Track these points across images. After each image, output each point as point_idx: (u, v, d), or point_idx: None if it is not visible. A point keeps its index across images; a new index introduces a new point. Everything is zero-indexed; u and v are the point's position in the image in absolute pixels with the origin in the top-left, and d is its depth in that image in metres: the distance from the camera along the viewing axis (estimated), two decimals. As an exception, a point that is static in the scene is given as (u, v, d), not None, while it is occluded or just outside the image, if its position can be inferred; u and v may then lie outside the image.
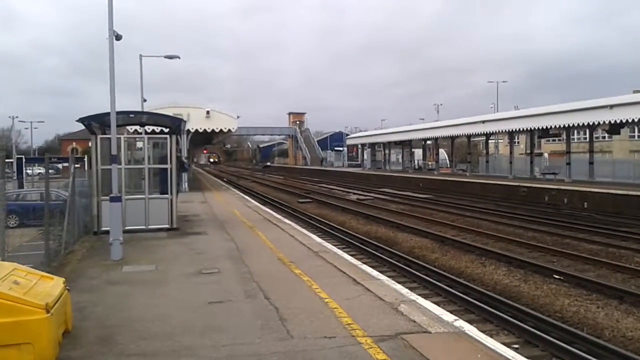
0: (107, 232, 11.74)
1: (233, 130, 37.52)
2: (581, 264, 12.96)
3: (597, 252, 14.26)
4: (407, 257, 14.00)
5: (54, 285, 6.05)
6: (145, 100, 32.91)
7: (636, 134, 53.39)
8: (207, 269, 9.94)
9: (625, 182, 30.07)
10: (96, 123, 15.00)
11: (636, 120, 26.56)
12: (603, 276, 11.67)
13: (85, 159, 29.29)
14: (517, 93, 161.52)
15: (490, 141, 57.76)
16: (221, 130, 35.69)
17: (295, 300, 7.71)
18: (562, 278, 11.35)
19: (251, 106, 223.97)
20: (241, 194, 32.31)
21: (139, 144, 17.01)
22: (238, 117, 36.93)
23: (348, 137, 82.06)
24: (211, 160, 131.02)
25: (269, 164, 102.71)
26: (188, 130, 32.32)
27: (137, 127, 24.76)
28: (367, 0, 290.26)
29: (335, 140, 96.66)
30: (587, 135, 37.58)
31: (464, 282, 11.25)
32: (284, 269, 10.00)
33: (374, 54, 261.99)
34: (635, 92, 36.06)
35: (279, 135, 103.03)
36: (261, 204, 26.19)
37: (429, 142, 57.42)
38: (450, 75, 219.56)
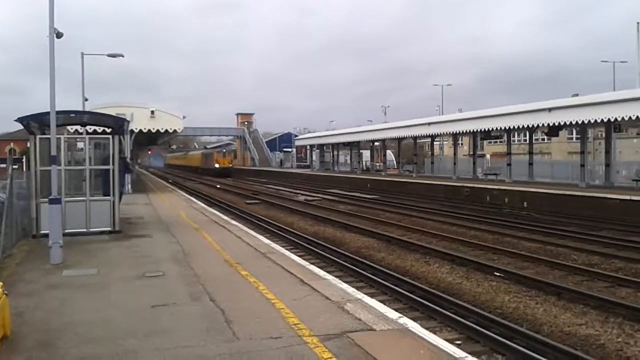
0: (47, 235, 11.35)
1: (179, 131, 36.85)
2: (521, 261, 13.41)
3: (536, 250, 14.80)
4: (354, 257, 14.14)
5: (-12, 290, 5.79)
6: (86, 100, 32.02)
7: (574, 136, 55.63)
8: (151, 272, 9.74)
9: (563, 183, 31.32)
10: (35, 123, 14.45)
11: (573, 122, 27.71)
12: (542, 273, 12.11)
13: (24, 160, 28.17)
14: (472, 95, 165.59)
15: (435, 143, 59.08)
16: (166, 130, 35.01)
17: (241, 301, 7.67)
18: (502, 275, 11.73)
19: (206, 106, 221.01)
20: (187, 195, 31.81)
21: (80, 145, 16.50)
22: (184, 117, 36.31)
23: (297, 138, 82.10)
24: (217, 165, 71.22)
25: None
26: (132, 131, 31.55)
27: (78, 127, 24.07)
28: (329, 0, 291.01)
29: (284, 141, 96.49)
30: (527, 137, 38.94)
31: (409, 280, 11.45)
32: (230, 270, 9.92)
33: (331, 55, 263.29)
34: (573, 95, 37.64)
35: (226, 136, 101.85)
36: (208, 205, 25.86)
37: (376, 143, 58.17)
38: (406, 76, 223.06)
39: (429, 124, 41.06)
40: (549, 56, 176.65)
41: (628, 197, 21.70)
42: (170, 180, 55.49)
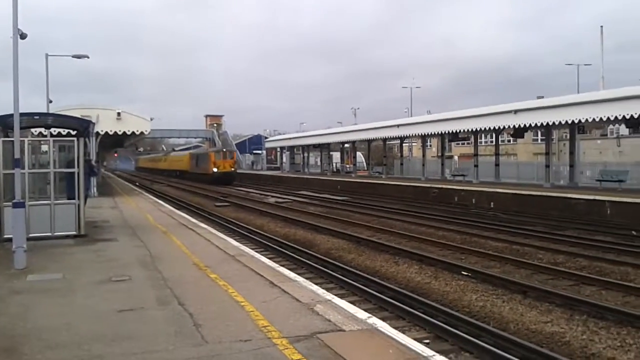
0: (11, 239, 11.05)
1: (146, 133, 36.35)
2: (487, 260, 13.62)
3: (502, 249, 15.04)
4: (324, 258, 14.15)
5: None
6: (51, 102, 31.33)
7: (539, 137, 56.78)
8: (118, 277, 9.58)
9: (528, 183, 31.94)
10: (-3, 125, 14.07)
11: (538, 124, 28.30)
12: (508, 272, 12.31)
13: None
14: (441, 97, 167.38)
15: (404, 144, 59.65)
16: (133, 132, 34.47)
17: (210, 305, 7.60)
18: (470, 274, 11.89)
19: (174, 108, 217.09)
20: (155, 198, 31.40)
21: (44, 147, 16.14)
22: (152, 119, 35.89)
23: (267, 140, 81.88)
24: (215, 170, 53.91)
25: None
26: (97, 133, 31.01)
27: (43, 130, 23.53)
28: (302, 0, 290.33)
29: (254, 143, 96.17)
30: (494, 139, 39.61)
31: (378, 280, 11.52)
32: (199, 274, 9.82)
33: (303, 57, 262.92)
34: (538, 97, 38.45)
35: (195, 138, 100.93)
36: (176, 208, 25.56)
37: (346, 145, 58.42)
38: (376, 79, 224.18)
39: (398, 125, 41.41)
40: (516, 59, 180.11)
41: (592, 197, 22.25)
42: (137, 183, 54.64)
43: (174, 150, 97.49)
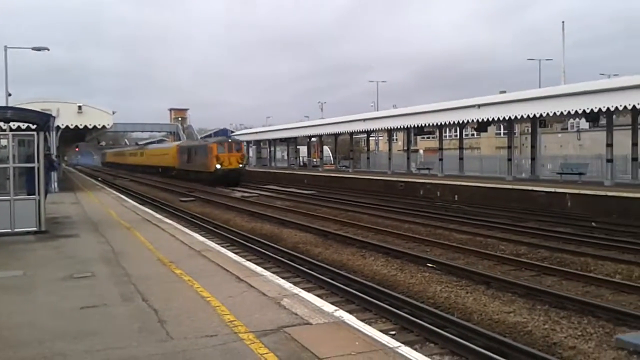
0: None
1: (108, 127, 35.60)
2: (452, 252, 13.83)
3: (466, 241, 15.28)
4: (291, 252, 14.14)
5: None
6: (10, 95, 30.45)
7: (502, 131, 57.84)
8: (80, 273, 9.36)
9: (491, 176, 32.50)
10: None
11: (501, 118, 28.78)
12: (472, 263, 12.53)
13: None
14: (407, 92, 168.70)
15: (371, 138, 59.98)
16: (95, 126, 33.73)
17: (175, 301, 7.50)
18: (435, 266, 12.05)
19: (138, 101, 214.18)
20: (117, 193, 30.85)
21: (3, 142, 15.66)
22: (114, 112, 35.11)
23: (233, 134, 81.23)
24: (218, 165, 41.70)
25: None
26: (58, 127, 30.25)
27: (2, 124, 22.83)
28: None
29: (219, 137, 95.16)
30: (458, 133, 40.15)
31: (345, 274, 11.56)
32: (163, 270, 9.68)
33: (271, 51, 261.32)
34: (501, 92, 39.11)
35: (159, 132, 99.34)
36: (140, 203, 25.17)
37: (313, 139, 58.39)
38: (343, 73, 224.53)
39: (365, 120, 41.59)
40: (480, 54, 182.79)
41: (553, 190, 22.78)
42: (100, 179, 53.53)
43: (151, 142, 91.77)
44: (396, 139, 61.82)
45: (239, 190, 36.35)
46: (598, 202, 20.54)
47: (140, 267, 9.87)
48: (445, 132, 45.54)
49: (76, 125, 32.47)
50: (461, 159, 36.09)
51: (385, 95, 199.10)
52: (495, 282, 10.59)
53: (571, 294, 9.74)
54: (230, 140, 45.64)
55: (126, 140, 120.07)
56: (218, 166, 41.19)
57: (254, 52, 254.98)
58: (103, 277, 9.16)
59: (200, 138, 72.62)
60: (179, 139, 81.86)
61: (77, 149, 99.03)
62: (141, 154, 72.14)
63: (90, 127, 33.61)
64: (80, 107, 32.43)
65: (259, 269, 9.70)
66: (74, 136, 45.89)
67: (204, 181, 42.46)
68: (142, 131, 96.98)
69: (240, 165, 42.62)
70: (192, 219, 21.34)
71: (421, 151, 58.85)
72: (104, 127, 34.77)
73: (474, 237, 15.82)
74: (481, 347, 7.05)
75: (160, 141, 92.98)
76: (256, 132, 66.46)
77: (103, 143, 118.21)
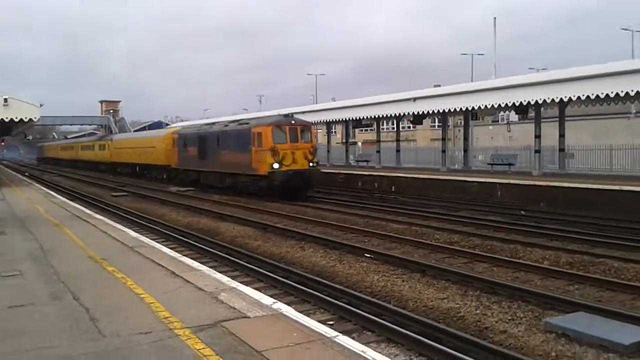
0: None
1: (35, 120, 33.84)
2: (389, 242, 14.06)
3: (403, 230, 15.56)
4: (229, 246, 13.98)
5: None
6: None
7: (436, 124, 59.22)
8: (7, 272, 8.91)
9: (427, 167, 33.25)
10: None
11: (435, 111, 29.44)
12: (408, 252, 12.78)
13: None
14: (346, 84, 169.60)
15: (309, 131, 59.97)
16: (21, 119, 32.03)
17: (108, 298, 7.27)
18: (372, 256, 12.22)
19: (69, 94, 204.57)
20: (46, 189, 29.58)
21: None
22: (41, 105, 33.56)
23: (168, 126, 79.38)
24: (275, 165, 23.52)
25: None
26: (-19, 120, 28.59)
27: None
28: None
29: (154, 129, 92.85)
30: (395, 125, 40.82)
31: (284, 266, 11.55)
32: (95, 267, 9.36)
33: (211, 42, 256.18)
34: (435, 86, 40.04)
35: (89, 125, 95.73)
36: (69, 199, 24.21)
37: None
38: (284, 66, 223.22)
39: (304, 112, 41.56)
40: (417, 48, 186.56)
41: (484, 180, 23.57)
42: (27, 174, 51.12)
43: (86, 135, 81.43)
44: (335, 132, 62.25)
45: (175, 185, 35.18)
46: (527, 191, 21.41)
47: (70, 264, 9.50)
48: (383, 125, 46.17)
49: (2, 119, 30.78)
50: (398, 151, 36.74)
51: (325, 88, 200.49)
52: (430, 270, 10.86)
53: (502, 279, 10.10)
54: (293, 122, 25.56)
55: (54, 134, 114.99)
56: (275, 166, 23.70)
57: (193, 44, 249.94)
58: (31, 275, 8.76)
59: (134, 131, 67.70)
60: (110, 132, 78.61)
61: (2, 143, 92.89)
62: (102, 147, 54.30)
63: (16, 120, 31.88)
64: (5, 100, 30.68)
65: (195, 264, 9.55)
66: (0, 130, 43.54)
67: (243, 190, 26.14)
68: (72, 124, 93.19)
69: (311, 165, 24.78)
70: (124, 215, 20.69)
71: (359, 143, 59.52)
72: (30, 120, 33.05)
73: (410, 226, 16.14)
74: (416, 333, 7.20)
75: (91, 134, 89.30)
76: (192, 125, 65.02)
77: (30, 137, 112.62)
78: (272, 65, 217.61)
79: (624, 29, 46.58)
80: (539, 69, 40.24)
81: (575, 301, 8.59)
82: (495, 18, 55.67)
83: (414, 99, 30.03)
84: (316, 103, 60.94)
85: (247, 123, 27.31)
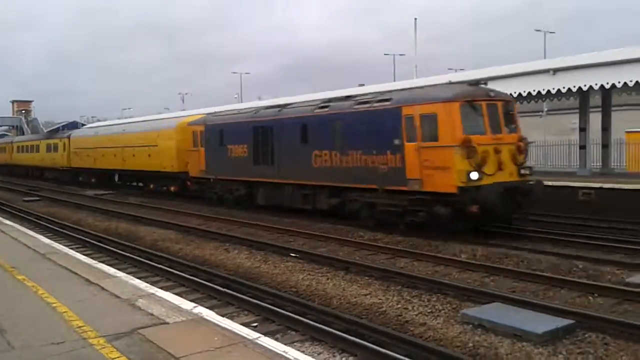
0: None
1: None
2: (315, 241, 14.12)
3: (328, 229, 15.59)
4: (149, 250, 13.59)
5: None
6: None
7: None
8: None
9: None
10: None
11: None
12: (333, 251, 12.89)
13: None
14: (273, 83, 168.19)
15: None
16: None
17: (17, 308, 6.87)
18: (297, 256, 12.24)
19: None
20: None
21: None
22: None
23: (84, 127, 76.11)
24: (473, 171, 12.50)
25: None
26: None
27: None
28: None
29: (69, 130, 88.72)
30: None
31: (207, 269, 11.35)
32: (4, 275, 8.82)
33: (133, 38, 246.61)
34: (360, 85, 40.64)
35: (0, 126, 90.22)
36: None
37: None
38: (209, 64, 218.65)
39: (224, 112, 40.97)
40: (345, 47, 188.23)
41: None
42: None
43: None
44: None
45: (92, 189, 33.67)
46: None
47: (-26, 275, 8.89)
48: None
49: None
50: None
51: (252, 87, 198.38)
52: (354, 267, 11.01)
53: (422, 274, 10.39)
54: (492, 95, 14.10)
55: None
56: (474, 176, 12.91)
57: (116, 38, 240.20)
58: None
59: (47, 132, 55.29)
60: (23, 133, 73.89)
61: None
62: (53, 148, 42.13)
63: None
64: None
65: (112, 271, 9.20)
66: None
67: (384, 221, 15.24)
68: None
69: (522, 174, 14.03)
70: (37, 220, 19.65)
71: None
72: None
73: (334, 225, 16.20)
74: (340, 331, 7.27)
75: (2, 136, 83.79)
76: (109, 125, 62.70)
77: None
78: (196, 63, 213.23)
79: (537, 30, 48.91)
80: (456, 69, 41.67)
81: (490, 292, 8.95)
82: (416, 19, 57.07)
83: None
84: (241, 102, 60.37)
85: (386, 99, 15.15)
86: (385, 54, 64.25)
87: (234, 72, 76.83)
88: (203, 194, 23.33)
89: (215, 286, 9.83)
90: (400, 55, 60.93)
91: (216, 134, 21.74)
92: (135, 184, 32.24)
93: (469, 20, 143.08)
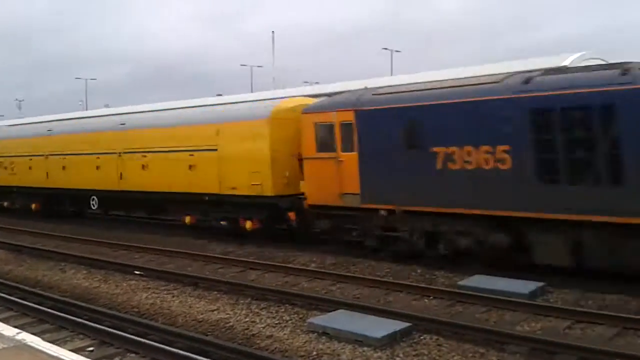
0: None
1: None
2: (164, 257, 13.52)
3: (179, 244, 14.96)
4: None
5: None
6: None
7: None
8: None
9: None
10: None
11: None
12: (182, 266, 12.41)
13: None
14: (122, 91, 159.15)
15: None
16: None
17: None
18: (142, 273, 11.66)
19: None
20: None
21: None
22: None
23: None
24: None
25: None
26: None
27: None
28: None
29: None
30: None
31: (39, 291, 10.43)
32: None
33: None
34: (218, 95, 40.19)
35: None
36: None
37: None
38: (55, 68, 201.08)
39: (69, 119, 38.41)
40: (203, 56, 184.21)
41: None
42: None
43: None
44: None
45: None
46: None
47: None
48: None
49: None
50: None
51: (100, 93, 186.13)
52: (203, 282, 10.73)
53: (271, 285, 10.36)
54: None
55: None
56: None
57: None
58: None
59: None
60: None
61: None
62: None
63: None
64: None
65: None
66: None
67: None
68: None
69: None
70: None
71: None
72: None
73: (185, 239, 15.65)
74: (183, 349, 7.00)
75: None
76: None
77: None
78: (40, 68, 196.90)
79: (384, 48, 51.46)
80: (313, 82, 42.67)
81: (336, 300, 9.17)
82: (273, 32, 57.67)
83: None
84: (86, 109, 56.71)
85: None
86: (241, 65, 63.64)
87: (78, 78, 71.99)
88: (347, 236, 12.87)
89: (47, 309, 9.04)
90: (258, 67, 61.03)
91: (394, 127, 11.56)
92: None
93: (323, 35, 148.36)
